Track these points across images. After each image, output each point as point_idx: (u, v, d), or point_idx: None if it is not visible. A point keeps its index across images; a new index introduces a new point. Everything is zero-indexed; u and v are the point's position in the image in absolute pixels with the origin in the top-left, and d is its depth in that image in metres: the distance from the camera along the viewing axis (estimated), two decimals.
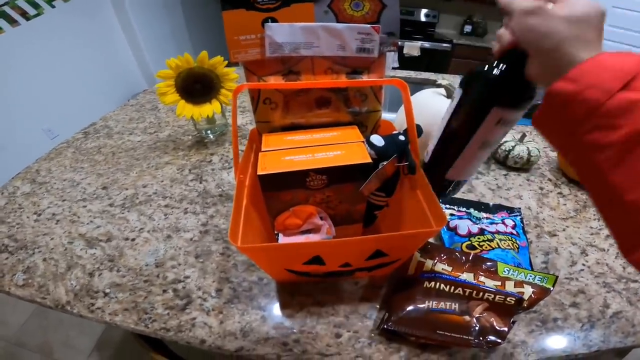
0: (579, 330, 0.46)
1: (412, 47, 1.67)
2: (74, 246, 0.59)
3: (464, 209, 0.60)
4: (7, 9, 1.76)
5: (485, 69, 0.38)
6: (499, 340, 0.40)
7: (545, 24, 0.27)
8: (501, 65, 0.36)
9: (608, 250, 0.56)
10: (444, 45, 2.89)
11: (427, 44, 2.86)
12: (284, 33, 0.40)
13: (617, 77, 0.24)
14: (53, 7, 2.00)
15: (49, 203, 0.69)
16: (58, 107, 2.11)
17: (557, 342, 0.45)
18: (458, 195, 0.65)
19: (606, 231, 0.59)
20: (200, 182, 0.72)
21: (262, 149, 0.42)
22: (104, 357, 1.29)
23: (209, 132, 0.85)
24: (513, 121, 0.40)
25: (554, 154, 0.80)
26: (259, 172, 0.38)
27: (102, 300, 0.51)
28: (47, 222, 0.64)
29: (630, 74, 0.23)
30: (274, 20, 0.40)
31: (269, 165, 0.39)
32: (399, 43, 0.44)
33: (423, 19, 3.17)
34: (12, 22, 1.82)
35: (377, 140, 0.43)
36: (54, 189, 0.73)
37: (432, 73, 1.38)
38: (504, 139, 0.72)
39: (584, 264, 0.54)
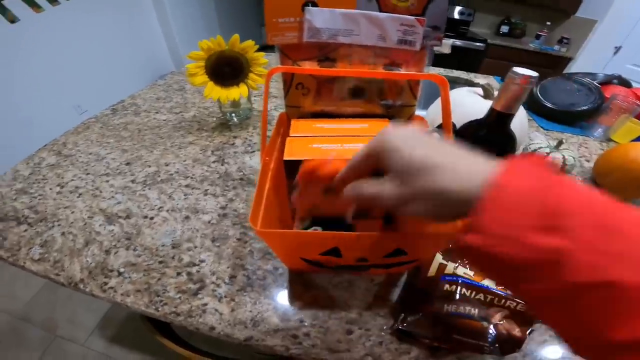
0: None
1: (443, 45, 1.63)
2: (94, 221, 0.59)
3: None
4: None
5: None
6: (515, 348, 0.39)
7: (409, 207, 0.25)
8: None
9: None
10: (477, 44, 2.81)
11: (459, 42, 2.78)
12: (323, 18, 0.39)
13: (526, 217, 0.20)
14: None
15: (73, 176, 0.69)
16: (88, 84, 2.17)
17: (567, 355, 0.44)
18: None
19: None
20: (222, 164, 0.72)
21: (290, 134, 0.41)
22: (106, 335, 1.31)
23: (233, 115, 0.85)
24: None
25: (589, 164, 0.76)
26: (285, 157, 0.37)
27: (115, 279, 0.50)
28: (70, 195, 0.65)
29: (540, 205, 0.19)
30: (315, 5, 0.38)
31: (296, 150, 0.38)
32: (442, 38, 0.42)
33: (457, 16, 3.08)
34: (53, 1, 1.87)
35: None
36: (78, 162, 0.73)
37: (464, 72, 1.33)
38: (539, 144, 0.69)
39: None
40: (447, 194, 0.23)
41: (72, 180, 0.68)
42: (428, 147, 0.25)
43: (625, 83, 1.06)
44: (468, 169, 0.23)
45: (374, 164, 0.28)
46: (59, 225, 0.58)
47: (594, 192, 0.20)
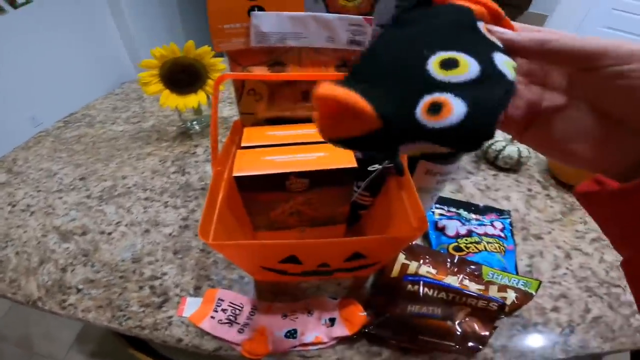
0: (559, 335, 0.46)
1: None
2: (48, 239, 0.58)
3: (454, 210, 0.59)
4: None
5: None
6: (480, 346, 0.40)
7: None
8: None
9: (592, 254, 0.56)
10: None
11: None
12: (270, 22, 0.38)
13: None
14: None
15: (24, 194, 0.67)
16: (45, 95, 2.07)
17: (537, 347, 0.45)
18: (448, 195, 0.65)
19: (591, 235, 0.59)
20: (183, 175, 0.70)
21: (242, 144, 0.40)
22: (85, 351, 1.27)
23: (194, 123, 0.83)
24: (443, 173, 0.46)
25: (544, 156, 0.79)
26: (235, 173, 0.36)
27: (74, 296, 0.49)
28: (22, 213, 0.62)
29: None
30: (261, 9, 0.38)
31: (246, 165, 0.37)
32: None
33: None
34: (0, 10, 1.77)
35: None
36: (30, 179, 0.70)
37: None
38: (496, 139, 0.71)
39: (567, 268, 0.54)
40: None
41: (24, 198, 0.66)
42: None
43: None
44: None
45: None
46: (12, 245, 0.57)
47: None
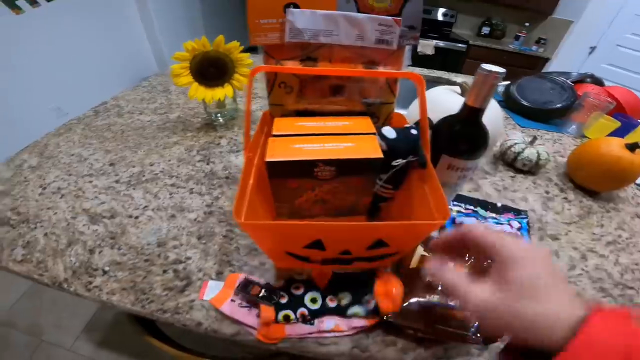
0: None
1: (426, 46, 1.66)
2: (77, 221, 0.59)
3: (471, 207, 0.60)
4: None
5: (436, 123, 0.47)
6: (496, 338, 0.41)
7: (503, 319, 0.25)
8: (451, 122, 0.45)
9: (608, 256, 0.56)
10: (459, 45, 2.87)
11: (441, 43, 2.84)
12: (305, 19, 0.40)
13: None
14: None
15: (55, 177, 0.69)
16: (69, 86, 2.13)
17: None
18: (466, 193, 0.66)
19: (607, 238, 0.59)
20: (208, 164, 0.72)
21: (273, 133, 0.42)
22: (92, 339, 1.29)
23: (218, 115, 0.86)
24: (465, 168, 0.47)
25: (562, 159, 0.79)
26: (267, 158, 0.38)
27: (100, 278, 0.50)
28: (52, 196, 0.64)
29: (621, 354, 0.21)
30: (296, 6, 0.40)
31: (277, 151, 0.39)
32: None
33: (440, 18, 3.15)
34: (33, 3, 1.83)
35: (389, 132, 0.43)
36: (60, 164, 0.73)
37: (445, 72, 1.37)
38: (515, 141, 0.72)
39: (583, 269, 0.54)
40: (537, 325, 0.24)
41: (55, 181, 0.68)
42: (540, 267, 0.26)
43: (598, 82, 1.11)
44: (561, 306, 0.24)
45: (470, 246, 0.30)
46: (41, 226, 0.58)
47: None
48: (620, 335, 0.22)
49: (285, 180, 0.41)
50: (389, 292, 0.44)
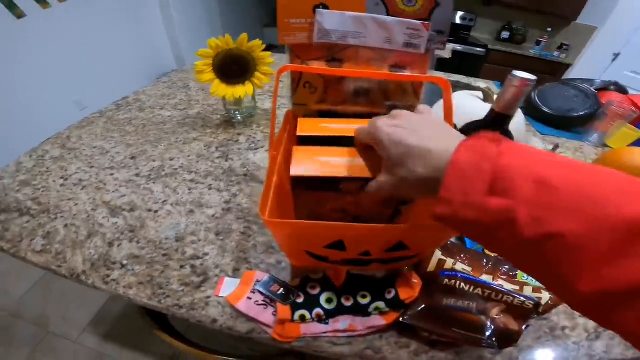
0: (585, 340, 0.46)
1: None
2: (97, 214, 0.59)
3: None
4: None
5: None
6: (510, 343, 0.40)
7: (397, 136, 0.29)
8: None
9: None
10: (478, 49, 2.84)
11: (459, 47, 2.80)
12: (334, 20, 0.40)
13: (478, 185, 0.23)
14: None
15: (77, 169, 0.70)
16: (89, 80, 2.18)
17: (562, 350, 0.45)
18: None
19: None
20: (226, 160, 0.73)
21: (298, 133, 0.42)
22: (98, 333, 1.30)
23: (237, 113, 0.86)
24: None
25: None
26: (292, 172, 0.38)
27: (118, 272, 0.50)
28: (73, 187, 0.65)
29: (488, 173, 0.23)
30: (326, 7, 0.40)
31: (302, 163, 0.38)
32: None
33: (459, 21, 3.11)
34: None
35: None
36: (82, 156, 0.74)
37: (464, 76, 1.35)
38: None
39: None
40: (423, 179, 0.27)
41: (76, 173, 0.68)
42: (406, 134, 0.29)
43: (622, 90, 1.08)
44: (437, 152, 0.27)
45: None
46: (62, 217, 0.58)
47: (535, 152, 0.24)
48: (485, 157, 0.23)
49: (310, 192, 0.41)
50: (408, 281, 0.45)
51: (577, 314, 0.48)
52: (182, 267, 0.51)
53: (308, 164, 0.38)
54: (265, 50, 0.72)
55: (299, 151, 0.40)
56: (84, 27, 2.06)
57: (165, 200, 0.63)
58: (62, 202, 0.61)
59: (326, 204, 0.43)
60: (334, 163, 0.39)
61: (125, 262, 0.52)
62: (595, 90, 1.02)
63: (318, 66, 0.43)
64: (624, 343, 0.45)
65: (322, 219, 0.46)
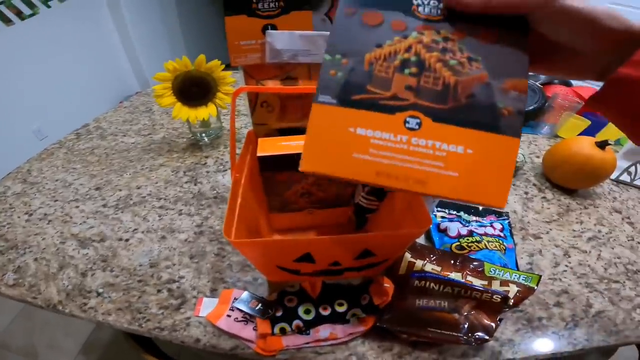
0: (563, 329, 0.48)
1: None
2: (66, 246, 0.59)
3: (455, 212, 0.62)
4: (2, 8, 1.76)
5: None
6: (487, 337, 0.42)
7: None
8: None
9: (590, 252, 0.58)
10: None
11: None
12: (283, 40, 0.41)
13: None
14: (49, 7, 2.00)
15: (41, 203, 0.69)
16: (49, 107, 2.10)
17: (542, 340, 0.46)
18: None
19: (587, 234, 0.61)
20: (195, 184, 0.73)
21: (258, 154, 0.43)
22: None
23: (203, 135, 0.86)
24: None
25: (538, 160, 0.82)
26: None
27: (94, 299, 0.51)
28: (39, 222, 0.64)
29: None
30: (274, 28, 0.41)
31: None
32: None
33: None
34: (7, 21, 1.81)
35: None
36: (45, 189, 0.72)
37: None
38: None
39: (566, 265, 0.56)
40: (612, 19, 0.22)
41: (40, 207, 0.68)
42: None
43: (566, 82, 1.16)
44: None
45: None
46: (30, 251, 0.58)
47: None
48: None
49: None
50: (380, 286, 0.47)
51: (550, 304, 0.50)
52: (159, 291, 0.52)
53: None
54: (228, 69, 0.73)
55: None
56: (39, 53, 1.99)
57: (135, 229, 0.63)
58: (29, 237, 0.61)
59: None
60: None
61: (100, 290, 0.52)
62: (541, 85, 1.08)
63: (273, 85, 0.44)
64: (604, 330, 0.47)
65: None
